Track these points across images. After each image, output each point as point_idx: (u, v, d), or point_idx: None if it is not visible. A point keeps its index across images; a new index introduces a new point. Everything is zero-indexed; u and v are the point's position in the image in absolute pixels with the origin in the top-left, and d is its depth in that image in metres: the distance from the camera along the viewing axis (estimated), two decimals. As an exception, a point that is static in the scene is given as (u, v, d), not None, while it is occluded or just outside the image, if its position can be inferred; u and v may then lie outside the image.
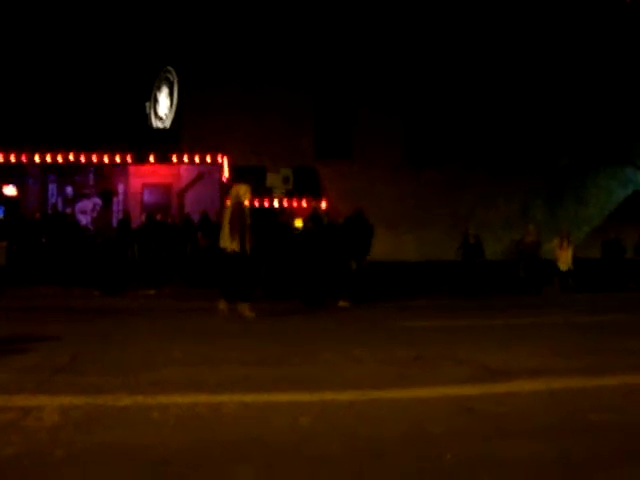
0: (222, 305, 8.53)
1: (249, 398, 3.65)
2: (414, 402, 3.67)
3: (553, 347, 5.81)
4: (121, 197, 18.19)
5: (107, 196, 17.63)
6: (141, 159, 16.77)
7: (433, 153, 19.76)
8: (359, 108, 19.31)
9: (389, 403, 3.65)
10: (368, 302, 10.94)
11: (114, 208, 17.54)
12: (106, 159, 16.63)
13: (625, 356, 5.30)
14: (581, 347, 5.86)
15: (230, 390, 3.84)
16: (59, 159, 16.47)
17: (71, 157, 16.40)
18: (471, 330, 7.37)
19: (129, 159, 16.74)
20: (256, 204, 15.87)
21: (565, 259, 15.48)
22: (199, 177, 17.59)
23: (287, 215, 13.94)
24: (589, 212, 20.31)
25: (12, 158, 16.32)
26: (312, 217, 11.91)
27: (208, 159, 16.72)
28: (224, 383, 4.06)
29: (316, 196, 17.36)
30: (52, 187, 18.27)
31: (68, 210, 17.75)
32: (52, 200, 18.08)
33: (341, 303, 10.83)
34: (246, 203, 8.77)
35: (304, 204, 17.25)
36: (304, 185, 17.98)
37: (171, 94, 19.82)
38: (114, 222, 15.74)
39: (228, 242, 8.49)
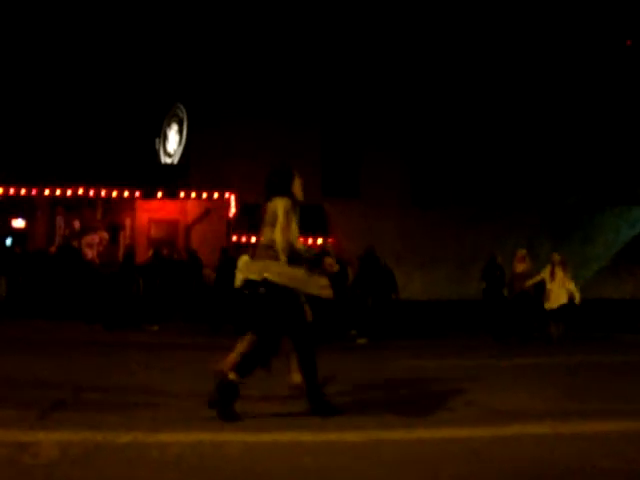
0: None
1: (252, 437, 3.58)
2: (419, 444, 3.60)
3: (559, 389, 5.71)
4: (128, 231, 18.26)
5: (114, 230, 17.71)
6: (149, 194, 16.89)
7: (440, 193, 19.83)
8: (366, 147, 19.47)
9: (394, 445, 3.57)
10: (385, 340, 10.90)
11: (120, 242, 17.60)
12: (114, 194, 16.75)
13: (632, 400, 5.19)
14: (587, 389, 5.75)
15: (234, 429, 3.77)
16: (68, 193, 16.61)
17: (80, 191, 16.54)
18: (478, 370, 7.26)
19: (137, 194, 16.86)
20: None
21: (556, 296, 11.59)
22: (206, 213, 17.67)
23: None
24: (596, 251, 20.22)
25: (22, 191, 16.47)
26: (322, 255, 11.95)
27: (215, 195, 16.82)
28: (228, 422, 3.98)
29: (323, 234, 17.39)
30: (60, 220, 18.37)
31: (74, 243, 17.80)
32: (60, 233, 18.16)
33: (359, 340, 10.82)
34: None
35: (310, 242, 17.26)
36: (311, 223, 18.00)
37: (180, 131, 20.07)
38: (120, 256, 15.76)
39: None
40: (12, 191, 16.43)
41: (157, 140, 21.37)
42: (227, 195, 16.80)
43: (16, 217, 17.60)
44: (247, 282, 4.60)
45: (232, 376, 4.23)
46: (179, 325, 13.23)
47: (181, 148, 19.83)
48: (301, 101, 18.62)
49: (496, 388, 5.72)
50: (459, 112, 19.48)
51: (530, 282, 11.87)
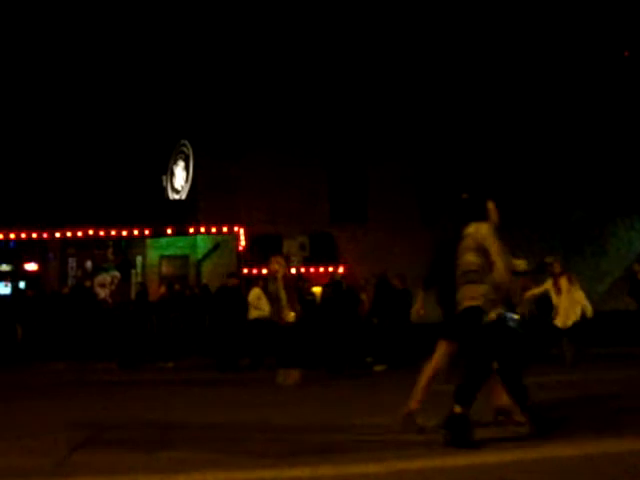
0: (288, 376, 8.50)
1: (270, 474, 3.53)
2: (442, 473, 3.53)
3: (586, 407, 5.60)
4: (139, 269, 18.33)
5: (125, 268, 17.79)
6: (159, 232, 16.99)
7: (448, 213, 19.81)
8: (373, 171, 19.53)
9: (416, 475, 3.50)
10: (400, 366, 10.79)
11: (132, 280, 17.66)
12: (124, 233, 16.87)
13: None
14: (615, 407, 5.63)
15: (250, 466, 3.72)
16: (79, 234, 16.75)
17: (90, 232, 16.68)
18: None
19: (147, 232, 16.96)
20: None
21: (566, 311, 10.21)
22: (216, 247, 17.72)
23: (303, 282, 13.91)
24: (609, 264, 20.03)
25: (34, 235, 16.63)
26: (331, 284, 11.98)
27: (224, 229, 16.89)
28: (244, 459, 3.94)
29: (333, 261, 17.36)
30: (72, 261, 18.50)
31: (87, 283, 17.89)
32: (72, 274, 18.26)
33: (377, 367, 10.75)
34: (273, 275, 8.88)
35: (321, 270, 17.23)
36: (321, 251, 18.00)
37: (187, 167, 20.26)
38: (132, 294, 15.80)
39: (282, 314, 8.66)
40: (24, 235, 16.60)
41: (164, 177, 21.57)
42: (236, 229, 16.88)
43: (29, 261, 17.75)
44: (466, 310, 4.57)
45: (457, 409, 4.30)
46: (194, 361, 13.17)
47: (188, 184, 19.99)
48: (305, 131, 18.78)
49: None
50: (465, 131, 19.55)
51: (527, 294, 9.85)
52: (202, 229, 16.96)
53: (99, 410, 6.43)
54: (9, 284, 17.47)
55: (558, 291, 10.19)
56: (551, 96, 19.76)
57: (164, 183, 21.55)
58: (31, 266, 17.82)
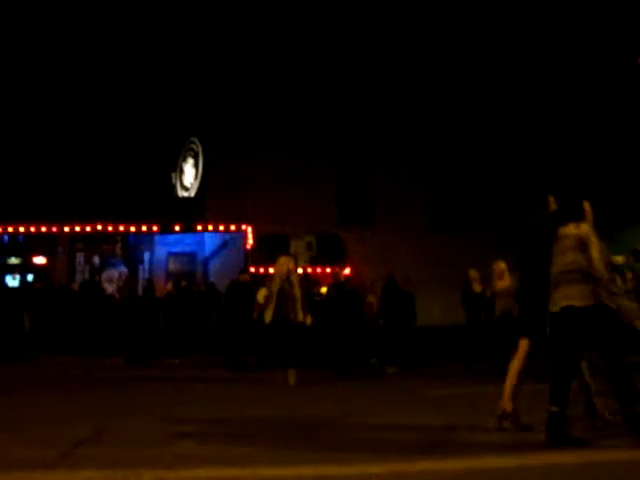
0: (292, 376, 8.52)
1: (274, 472, 3.54)
2: (444, 475, 3.53)
3: (589, 414, 5.56)
4: (147, 266, 18.38)
5: (133, 265, 17.86)
6: (167, 229, 17.05)
7: (456, 216, 19.75)
8: (380, 173, 19.53)
9: (418, 476, 3.51)
10: (409, 368, 10.80)
11: (139, 276, 17.72)
12: (133, 229, 16.93)
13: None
14: (618, 414, 5.59)
15: (254, 464, 3.73)
16: (88, 229, 16.83)
17: (99, 227, 16.76)
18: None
19: (155, 229, 17.02)
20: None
21: None
22: (223, 245, 17.76)
23: (312, 283, 13.94)
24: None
25: (43, 229, 16.73)
26: (334, 284, 12.05)
27: (232, 228, 16.92)
28: (248, 457, 3.95)
29: (339, 262, 17.36)
30: (80, 256, 18.58)
31: (95, 278, 17.98)
32: (80, 268, 18.35)
33: (389, 369, 10.77)
34: (281, 275, 8.89)
35: (328, 270, 17.24)
36: (327, 251, 18.01)
37: (196, 164, 20.31)
38: (139, 290, 15.86)
39: (299, 314, 8.73)
40: (33, 229, 16.70)
41: (173, 174, 21.63)
42: (244, 227, 16.91)
43: (37, 254, 17.84)
44: (564, 310, 4.57)
45: (554, 409, 4.42)
46: (200, 358, 13.20)
47: (197, 182, 20.04)
48: (313, 132, 18.79)
49: (521, 414, 5.60)
50: (474, 134, 19.51)
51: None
52: (210, 227, 17.01)
53: (104, 404, 6.46)
54: (17, 276, 17.59)
55: None
56: (560, 106, 19.69)
57: (173, 180, 21.61)
58: (40, 260, 17.92)
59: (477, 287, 11.27)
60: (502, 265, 10.01)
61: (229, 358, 11.39)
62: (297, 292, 8.79)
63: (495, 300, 9.99)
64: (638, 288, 9.31)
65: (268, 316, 8.65)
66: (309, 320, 8.87)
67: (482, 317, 10.92)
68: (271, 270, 9.08)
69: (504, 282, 9.76)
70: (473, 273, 11.56)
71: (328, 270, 17.21)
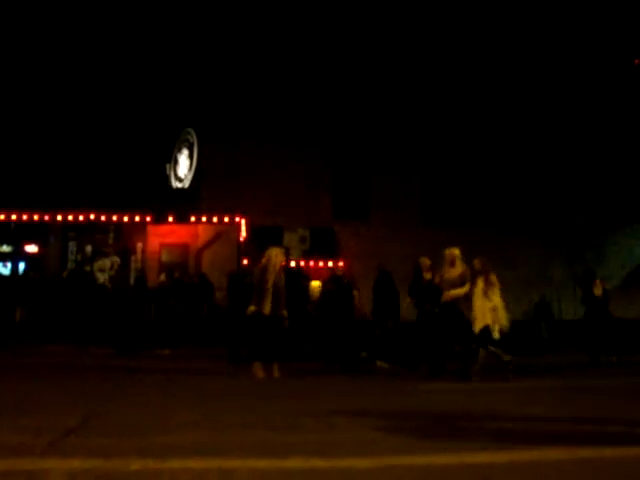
0: (256, 367, 8.48)
1: (262, 464, 3.54)
2: (431, 470, 3.54)
3: (577, 411, 5.61)
4: (139, 256, 18.34)
5: (125, 254, 17.82)
6: (160, 219, 17.02)
7: (450, 213, 19.81)
8: (376, 168, 19.56)
9: (406, 471, 3.52)
10: (401, 364, 10.78)
11: (132, 266, 17.68)
12: (126, 219, 16.89)
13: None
14: (607, 411, 5.65)
15: (243, 455, 3.73)
16: (80, 218, 16.78)
17: (92, 216, 16.70)
18: (491, 393, 7.18)
19: (148, 219, 16.99)
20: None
21: (479, 315, 8.76)
22: (217, 237, 17.75)
23: (303, 275, 13.94)
24: (609, 270, 20.05)
25: (35, 217, 16.66)
26: (333, 278, 12.00)
27: (226, 219, 16.91)
28: (237, 448, 3.96)
29: (333, 256, 17.38)
30: (72, 245, 18.51)
31: (86, 268, 17.93)
32: (72, 257, 18.29)
33: (379, 363, 10.77)
34: (275, 266, 8.81)
35: (321, 264, 17.25)
36: (321, 245, 18.03)
37: (191, 155, 20.26)
38: (131, 280, 15.84)
39: (282, 307, 8.72)
40: (25, 217, 16.63)
41: (168, 165, 21.58)
42: (237, 219, 16.90)
43: (29, 242, 17.77)
44: None
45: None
46: (191, 349, 13.21)
47: (192, 173, 20.00)
48: (310, 125, 18.77)
49: (508, 410, 5.65)
50: (470, 132, 19.54)
51: (452, 293, 9.01)
52: (204, 218, 17.00)
53: (95, 394, 6.45)
54: (8, 264, 17.52)
55: (485, 293, 8.89)
56: (558, 103, 19.74)
57: (167, 171, 21.55)
58: (31, 248, 17.85)
59: (428, 277, 10.21)
60: (456, 252, 9.45)
61: (229, 350, 11.35)
62: (283, 285, 8.81)
63: (442, 289, 9.28)
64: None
65: (267, 308, 8.60)
66: (286, 314, 8.83)
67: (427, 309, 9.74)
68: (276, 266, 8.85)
69: (456, 270, 9.17)
70: (425, 261, 10.44)
71: (321, 264, 17.23)
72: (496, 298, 8.88)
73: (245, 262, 16.29)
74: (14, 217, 16.70)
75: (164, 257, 18.20)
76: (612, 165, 19.95)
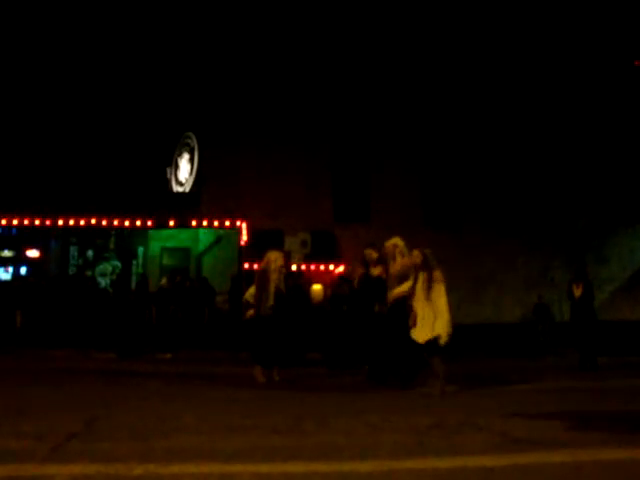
0: (257, 371, 8.47)
1: (264, 468, 3.55)
2: (433, 473, 3.55)
3: (578, 414, 5.61)
4: (140, 260, 18.38)
5: (126, 259, 17.85)
6: (161, 224, 17.05)
7: (451, 215, 19.81)
8: (376, 171, 19.55)
9: (408, 474, 3.52)
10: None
11: (133, 271, 17.71)
12: (127, 223, 16.92)
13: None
14: (608, 414, 5.65)
15: (244, 460, 3.74)
16: (81, 223, 16.80)
17: (93, 221, 16.73)
18: (491, 396, 7.18)
19: (150, 223, 17.01)
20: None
21: (420, 321, 7.33)
22: (217, 241, 17.76)
23: (304, 278, 13.93)
24: (611, 272, 20.04)
25: (37, 222, 16.68)
26: (345, 281, 11.80)
27: (227, 223, 16.92)
28: (238, 452, 3.96)
29: (334, 260, 17.38)
30: (73, 249, 18.56)
31: (88, 273, 17.98)
32: (73, 262, 18.33)
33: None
34: (275, 270, 8.78)
35: (322, 268, 17.26)
36: (322, 249, 18.04)
37: (191, 159, 20.29)
38: (133, 285, 15.86)
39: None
40: (27, 222, 16.65)
41: (168, 169, 21.61)
42: (238, 223, 16.92)
43: (31, 247, 17.80)
44: None
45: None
46: (192, 353, 13.21)
47: (192, 177, 20.02)
48: (310, 129, 18.79)
49: (510, 413, 5.65)
50: (470, 134, 19.55)
51: (393, 292, 7.81)
52: (204, 222, 17.01)
53: (96, 398, 6.46)
54: (10, 269, 17.55)
55: (423, 293, 7.36)
56: (558, 104, 19.75)
57: (168, 175, 21.59)
58: (33, 253, 17.89)
59: (375, 271, 8.68)
60: (397, 242, 8.16)
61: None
62: (283, 288, 8.81)
63: (388, 285, 8.00)
64: None
65: (267, 312, 8.57)
66: (254, 310, 8.72)
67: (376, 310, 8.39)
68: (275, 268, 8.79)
69: (397, 264, 7.94)
70: (371, 254, 8.83)
71: (322, 268, 17.23)
72: (440, 300, 7.29)
73: (246, 266, 16.32)
74: (15, 222, 16.73)
75: (165, 261, 18.23)
76: (613, 166, 19.95)
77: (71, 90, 20.41)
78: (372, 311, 8.35)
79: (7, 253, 17.88)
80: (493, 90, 19.58)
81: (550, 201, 19.78)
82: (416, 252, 7.57)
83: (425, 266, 7.40)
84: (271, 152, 18.43)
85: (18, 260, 17.75)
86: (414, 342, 7.36)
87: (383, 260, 8.35)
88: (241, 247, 16.85)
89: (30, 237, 17.64)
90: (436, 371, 7.31)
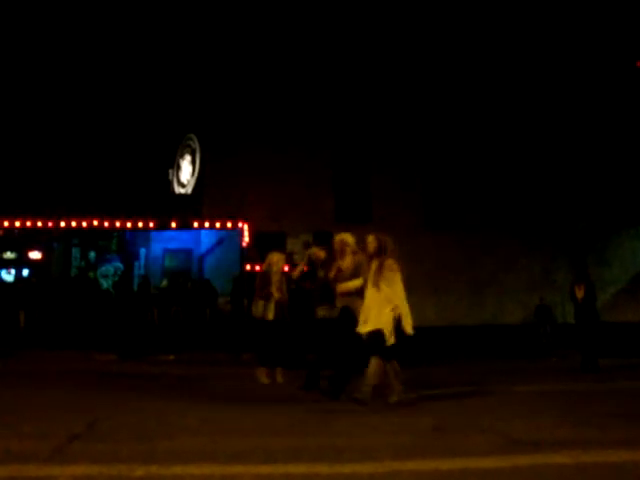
0: (260, 373, 8.46)
1: (265, 470, 3.55)
2: (434, 475, 3.55)
3: (580, 416, 5.61)
4: (142, 262, 18.40)
5: (128, 260, 17.88)
6: (163, 225, 17.06)
7: (453, 216, 19.81)
8: (378, 172, 19.56)
9: (410, 476, 3.53)
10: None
11: (135, 272, 17.74)
12: (129, 225, 16.94)
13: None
14: (611, 416, 5.64)
15: (246, 461, 3.75)
16: (84, 224, 16.82)
17: (95, 223, 16.75)
18: (493, 397, 7.18)
19: (152, 225, 17.03)
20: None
21: (365, 312, 6.39)
22: (219, 242, 17.77)
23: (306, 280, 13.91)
24: (613, 273, 20.02)
25: (39, 223, 16.71)
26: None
27: (229, 225, 16.94)
28: (240, 453, 3.97)
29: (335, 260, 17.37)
30: (75, 251, 18.58)
31: (90, 274, 18.00)
32: (75, 264, 18.37)
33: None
34: (277, 272, 8.78)
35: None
36: (324, 250, 18.03)
37: (193, 161, 20.31)
38: (135, 286, 15.89)
39: (254, 308, 8.69)
40: (29, 223, 16.67)
41: (170, 171, 21.62)
42: (240, 224, 16.93)
43: (33, 249, 17.83)
44: None
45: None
46: (194, 354, 13.21)
47: (194, 178, 20.04)
48: (312, 129, 18.81)
49: (511, 415, 5.65)
50: (472, 136, 19.55)
51: (348, 285, 6.79)
52: (206, 224, 17.02)
53: (98, 399, 6.47)
54: (12, 271, 17.58)
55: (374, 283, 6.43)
56: (559, 105, 19.75)
57: (170, 177, 21.61)
58: (35, 254, 17.91)
59: (322, 274, 7.72)
60: (346, 238, 7.30)
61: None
62: (286, 289, 8.83)
63: (338, 282, 7.01)
64: None
65: (270, 314, 8.58)
66: (257, 312, 8.68)
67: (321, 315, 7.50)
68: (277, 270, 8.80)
69: (346, 261, 7.03)
70: (318, 254, 8.05)
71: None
72: (390, 289, 6.32)
73: (248, 267, 16.33)
74: (18, 224, 16.76)
75: (167, 263, 18.25)
76: (615, 168, 19.94)
77: (74, 92, 20.45)
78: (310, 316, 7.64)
79: (9, 255, 17.91)
80: (495, 91, 19.58)
81: (551, 203, 19.76)
82: (370, 238, 6.69)
83: (378, 253, 6.50)
84: (273, 153, 18.45)
85: (20, 262, 17.78)
86: (360, 342, 6.27)
87: (332, 258, 7.37)
88: (243, 248, 16.86)
89: (32, 239, 17.67)
90: (369, 373, 6.07)
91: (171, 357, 12.84)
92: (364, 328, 6.26)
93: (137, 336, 13.23)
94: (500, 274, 19.16)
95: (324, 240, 18.31)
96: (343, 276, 6.93)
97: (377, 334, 6.16)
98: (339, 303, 6.91)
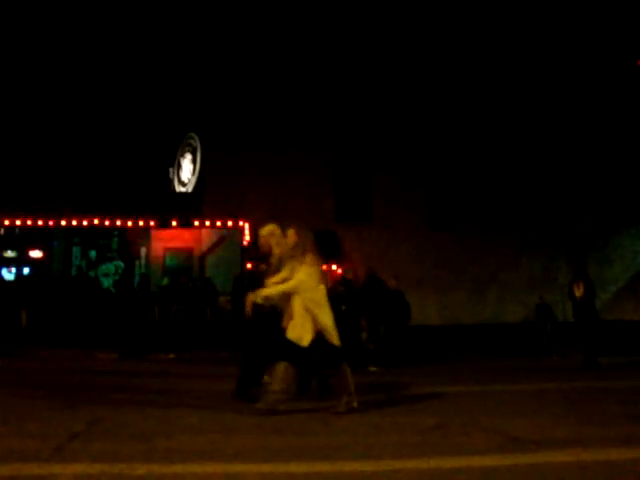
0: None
1: (267, 468, 3.55)
2: (436, 473, 3.55)
3: (581, 414, 5.61)
4: (143, 260, 18.40)
5: (129, 259, 17.87)
6: (164, 224, 17.05)
7: (454, 216, 19.80)
8: (379, 171, 19.55)
9: (411, 474, 3.53)
10: (397, 367, 10.79)
11: (135, 271, 17.74)
12: (130, 223, 16.93)
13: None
14: (611, 414, 5.64)
15: (247, 460, 3.75)
16: (84, 223, 16.81)
17: (96, 221, 16.75)
18: (494, 396, 7.18)
19: (152, 224, 17.03)
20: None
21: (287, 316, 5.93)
22: (220, 241, 17.76)
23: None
24: (614, 272, 20.02)
25: (39, 222, 16.71)
26: (343, 281, 11.75)
27: (229, 224, 16.93)
28: (241, 452, 3.97)
29: (336, 260, 17.37)
30: (76, 250, 18.59)
31: (91, 273, 18.01)
32: (76, 263, 18.37)
33: (371, 368, 10.69)
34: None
35: (324, 268, 17.25)
36: (324, 249, 18.01)
37: (194, 160, 20.30)
38: (135, 285, 15.88)
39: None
40: (29, 222, 16.68)
41: (171, 169, 21.62)
42: (241, 223, 16.91)
43: (33, 248, 17.83)
44: None
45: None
46: (195, 353, 13.22)
47: (195, 177, 20.03)
48: (312, 128, 18.80)
49: (513, 414, 5.64)
50: (474, 135, 19.54)
51: (261, 293, 6.11)
52: (207, 222, 17.02)
53: (99, 398, 6.47)
54: (13, 270, 17.58)
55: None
56: (559, 104, 19.73)
57: (171, 175, 21.60)
58: (36, 253, 17.91)
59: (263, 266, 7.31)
60: (277, 231, 6.92)
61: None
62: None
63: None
64: None
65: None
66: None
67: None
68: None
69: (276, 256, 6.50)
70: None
71: (324, 268, 17.21)
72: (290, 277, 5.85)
73: (249, 266, 16.30)
74: (18, 222, 16.76)
75: (168, 261, 18.25)
76: (616, 167, 19.93)
77: (74, 91, 20.45)
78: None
79: (10, 253, 17.91)
80: (496, 90, 19.57)
81: (552, 202, 19.75)
82: (291, 231, 6.35)
83: (296, 247, 6.13)
84: (273, 152, 18.44)
85: (21, 260, 17.78)
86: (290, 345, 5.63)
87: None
88: (244, 247, 16.85)
89: (33, 237, 17.67)
90: (276, 376, 5.50)
91: (172, 356, 12.85)
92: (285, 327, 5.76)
93: (138, 335, 13.23)
94: (501, 273, 19.15)
95: (324, 240, 18.35)
96: (271, 272, 6.39)
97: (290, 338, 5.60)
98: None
